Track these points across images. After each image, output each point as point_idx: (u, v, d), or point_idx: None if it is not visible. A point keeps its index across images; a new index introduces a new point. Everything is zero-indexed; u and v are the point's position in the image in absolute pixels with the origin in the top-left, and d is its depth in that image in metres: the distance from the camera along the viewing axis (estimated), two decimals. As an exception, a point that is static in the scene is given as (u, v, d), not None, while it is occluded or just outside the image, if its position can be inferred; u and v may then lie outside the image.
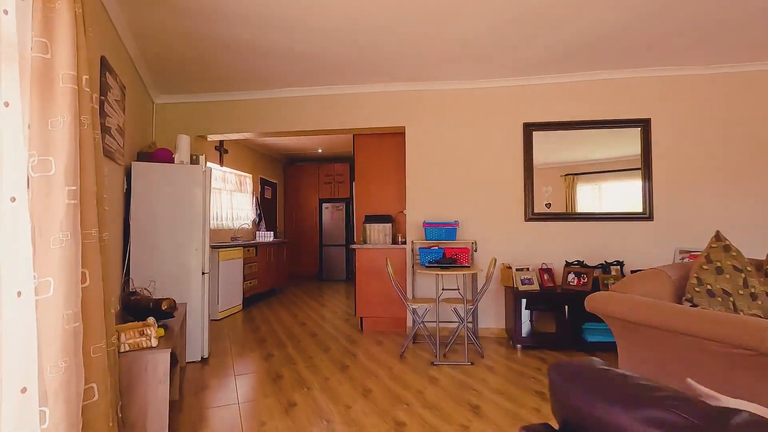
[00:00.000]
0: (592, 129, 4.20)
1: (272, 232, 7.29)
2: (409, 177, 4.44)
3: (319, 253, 8.94)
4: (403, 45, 3.55)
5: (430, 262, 3.90)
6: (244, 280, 5.84)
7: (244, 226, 7.10)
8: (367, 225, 4.57)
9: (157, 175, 3.45)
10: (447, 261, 3.76)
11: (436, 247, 4.05)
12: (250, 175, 7.50)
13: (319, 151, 8.30)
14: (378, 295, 4.49)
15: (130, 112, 3.64)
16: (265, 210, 8.14)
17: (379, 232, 4.56)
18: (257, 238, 7.30)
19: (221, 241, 6.20)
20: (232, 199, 6.77)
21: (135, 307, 2.45)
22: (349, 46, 3.55)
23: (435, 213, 4.38)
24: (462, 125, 4.40)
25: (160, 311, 2.36)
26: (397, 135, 4.94)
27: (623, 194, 4.15)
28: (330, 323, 4.88)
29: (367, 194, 4.97)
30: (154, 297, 2.60)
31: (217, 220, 6.26)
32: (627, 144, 4.16)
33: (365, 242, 4.61)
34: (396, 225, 4.90)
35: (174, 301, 2.41)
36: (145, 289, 2.92)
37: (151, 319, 2.15)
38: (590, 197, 4.18)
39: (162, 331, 2.14)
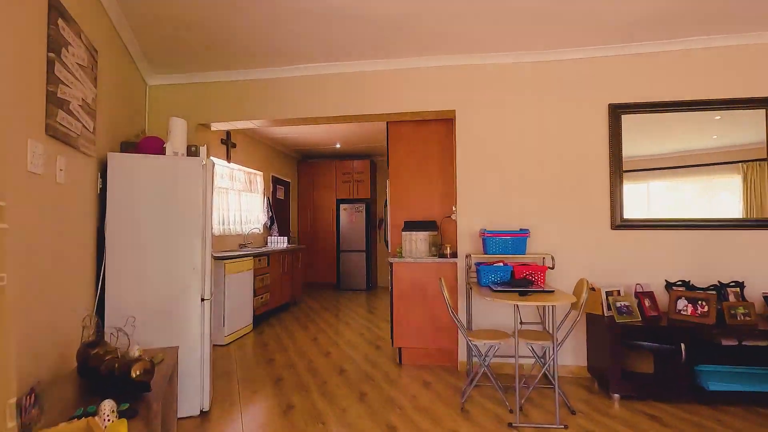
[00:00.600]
0: (698, 111, 3.27)
1: (285, 238, 6.45)
2: (460, 173, 3.55)
3: (336, 260, 8.08)
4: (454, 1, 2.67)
5: (495, 284, 3.01)
6: (255, 295, 5.00)
7: (254, 230, 6.26)
8: (407, 233, 3.68)
9: (142, 171, 2.60)
10: (520, 283, 2.87)
11: (501, 264, 3.15)
12: (261, 173, 6.66)
13: (337, 146, 7.44)
14: (421, 321, 3.61)
15: (110, 90, 2.80)
16: (277, 212, 7.31)
17: (421, 242, 3.68)
18: (269, 245, 6.46)
19: (228, 250, 5.36)
20: (240, 200, 5.94)
21: (93, 373, 1.60)
22: (388, 3, 2.67)
23: (494, 219, 3.49)
24: (529, 108, 3.49)
25: (130, 381, 1.50)
26: (444, 122, 4.05)
27: (718, 194, 3.22)
28: (359, 352, 4.01)
29: (404, 195, 4.09)
30: (126, 353, 1.74)
31: (223, 224, 5.43)
32: (742, 130, 3.23)
33: (403, 254, 3.73)
34: (441, 233, 4.01)
35: (151, 363, 1.55)
36: (121, 330, 2.07)
37: (106, 407, 1.29)
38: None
39: (124, 426, 1.28)
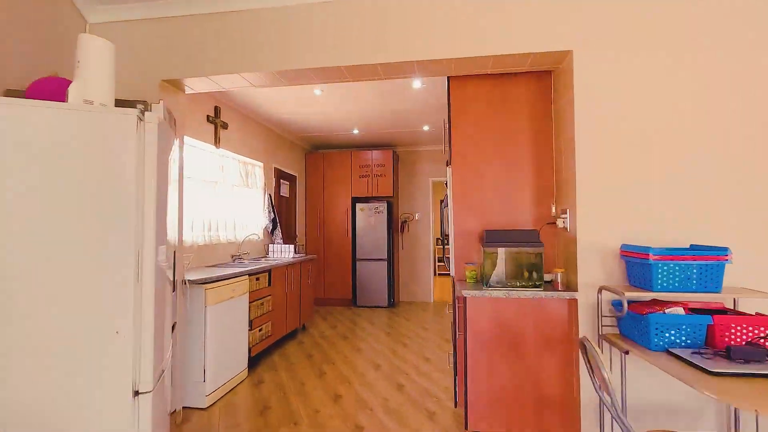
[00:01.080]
0: None
1: (291, 246, 5.09)
2: (580, 155, 2.19)
3: (351, 271, 6.72)
4: None
5: (684, 348, 1.66)
6: (251, 328, 3.64)
7: (252, 237, 4.91)
8: (492, 249, 2.32)
9: (13, 133, 1.25)
10: (749, 354, 1.51)
11: (681, 310, 1.78)
12: (261, 164, 5.30)
13: (355, 132, 6.08)
14: (512, 390, 2.25)
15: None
16: (281, 212, 5.95)
17: (513, 265, 2.31)
18: (270, 254, 5.10)
19: (217, 264, 4.01)
20: (233, 198, 4.59)
21: None
22: None
23: (637, 229, 2.13)
24: (697, 48, 2.13)
25: None
26: (538, 75, 2.66)
27: None
28: (407, 425, 2.63)
29: (475, 188, 2.71)
30: None
31: (210, 230, 4.07)
32: None
33: (485, 282, 2.37)
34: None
35: None
36: None
37: None
38: None
39: None
